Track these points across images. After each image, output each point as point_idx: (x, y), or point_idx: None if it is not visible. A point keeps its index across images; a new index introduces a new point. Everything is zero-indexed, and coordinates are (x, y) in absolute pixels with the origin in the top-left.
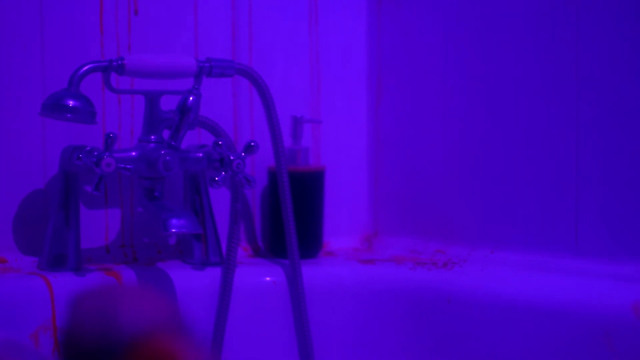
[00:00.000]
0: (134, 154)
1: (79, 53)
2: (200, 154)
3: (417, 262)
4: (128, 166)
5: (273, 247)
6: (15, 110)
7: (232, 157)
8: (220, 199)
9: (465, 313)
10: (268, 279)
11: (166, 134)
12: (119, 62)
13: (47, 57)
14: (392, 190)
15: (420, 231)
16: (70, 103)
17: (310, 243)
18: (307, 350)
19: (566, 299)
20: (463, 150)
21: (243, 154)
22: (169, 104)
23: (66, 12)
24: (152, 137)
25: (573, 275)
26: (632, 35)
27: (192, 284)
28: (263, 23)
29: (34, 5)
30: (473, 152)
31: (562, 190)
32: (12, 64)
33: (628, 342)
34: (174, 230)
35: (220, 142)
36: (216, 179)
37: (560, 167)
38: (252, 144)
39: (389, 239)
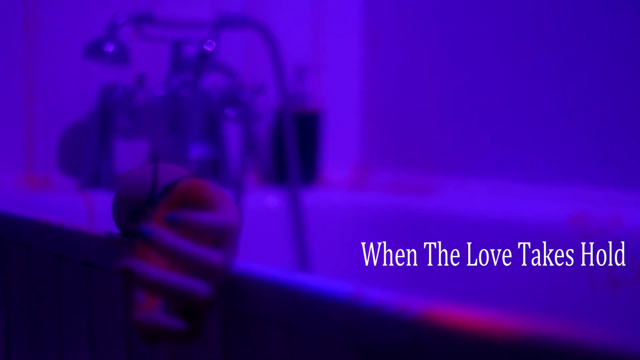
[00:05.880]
0: (161, 92)
1: (116, 5)
2: (217, 93)
3: (400, 188)
4: (156, 102)
5: (277, 176)
6: (60, 54)
7: (243, 96)
8: (233, 134)
9: (436, 229)
10: (272, 200)
11: (188, 76)
12: (150, 15)
13: (88, 8)
14: (384, 129)
15: (406, 164)
16: (108, 48)
17: (309, 173)
18: (303, 256)
19: (520, 216)
20: (441, 97)
21: (252, 93)
22: (191, 50)
23: None
24: (176, 78)
25: (527, 197)
26: None
27: None
28: None
29: None
30: (448, 99)
31: (516, 126)
32: (55, 12)
33: (561, 246)
34: (194, 156)
35: (233, 84)
36: (229, 114)
37: (519, 107)
38: (260, 85)
39: (378, 171)
